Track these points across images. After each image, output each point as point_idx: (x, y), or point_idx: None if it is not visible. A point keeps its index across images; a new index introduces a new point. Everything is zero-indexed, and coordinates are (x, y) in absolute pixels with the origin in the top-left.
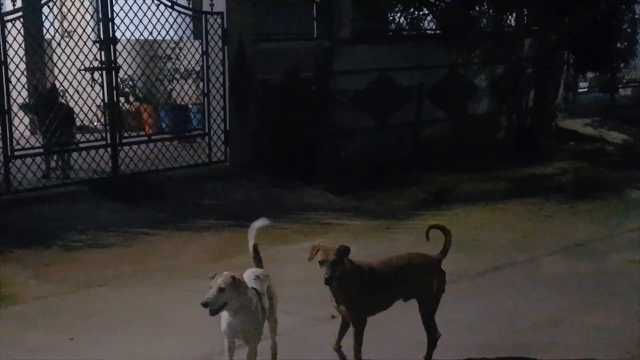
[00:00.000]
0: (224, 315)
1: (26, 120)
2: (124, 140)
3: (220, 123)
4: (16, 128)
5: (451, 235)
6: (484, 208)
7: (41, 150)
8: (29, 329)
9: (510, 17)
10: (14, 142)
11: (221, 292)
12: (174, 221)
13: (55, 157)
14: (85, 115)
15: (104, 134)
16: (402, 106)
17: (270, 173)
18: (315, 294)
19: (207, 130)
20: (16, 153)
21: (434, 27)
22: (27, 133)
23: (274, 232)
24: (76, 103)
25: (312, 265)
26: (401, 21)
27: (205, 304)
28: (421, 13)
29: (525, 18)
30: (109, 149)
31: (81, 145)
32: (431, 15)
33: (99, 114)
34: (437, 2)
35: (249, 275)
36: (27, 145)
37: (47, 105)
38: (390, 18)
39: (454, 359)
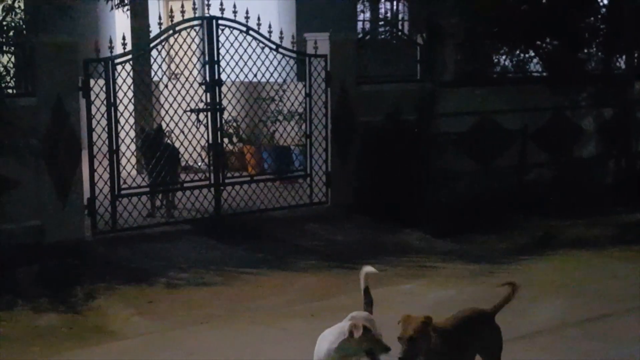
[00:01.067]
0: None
1: (133, 160)
2: (227, 181)
3: (322, 164)
4: (123, 167)
5: (515, 294)
6: (591, 254)
7: (147, 189)
8: None
9: (620, 58)
10: (121, 181)
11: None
12: (275, 261)
13: (160, 196)
14: (190, 155)
15: (207, 174)
16: (505, 149)
17: (371, 215)
18: None
19: (308, 172)
20: (123, 192)
21: (539, 69)
22: (133, 172)
23: (373, 274)
24: (181, 144)
25: (411, 308)
26: (506, 63)
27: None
28: (527, 55)
29: (635, 59)
30: (212, 189)
31: (185, 185)
32: (537, 58)
33: (203, 154)
34: (544, 45)
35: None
36: (134, 185)
37: (154, 145)
38: (495, 60)
39: None
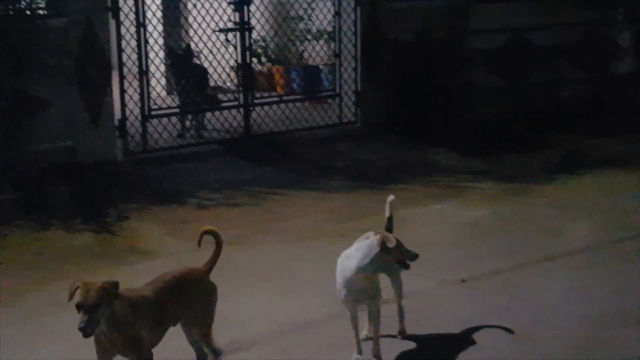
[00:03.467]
0: (342, 282)
1: (163, 81)
2: (256, 101)
3: (352, 84)
4: (153, 88)
5: (222, 243)
6: (623, 173)
7: (177, 110)
8: None
9: None
10: (151, 102)
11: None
12: (304, 181)
13: (189, 117)
14: (219, 75)
15: (236, 95)
16: (538, 66)
17: (401, 134)
18: (445, 257)
19: (338, 91)
20: (153, 113)
21: None
22: (163, 93)
23: (403, 194)
24: (210, 64)
25: (442, 228)
26: None
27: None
28: None
29: None
30: (241, 110)
31: (214, 106)
32: None
33: (232, 74)
34: None
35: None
36: (164, 105)
37: (183, 66)
38: None
39: (580, 329)
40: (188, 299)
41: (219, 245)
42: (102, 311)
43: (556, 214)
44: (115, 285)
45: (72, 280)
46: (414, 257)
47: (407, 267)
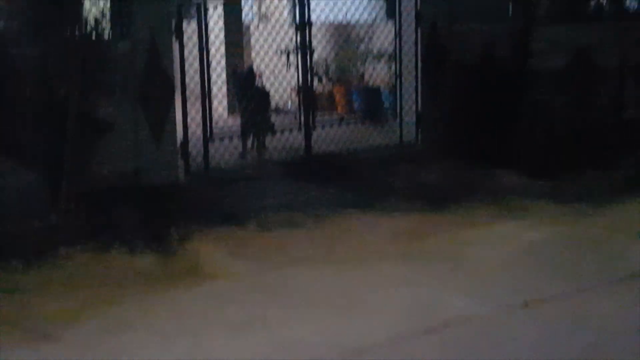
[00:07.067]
0: None
1: (224, 103)
2: (316, 122)
3: (412, 105)
4: (215, 110)
5: None
6: None
7: (238, 131)
8: (225, 306)
9: None
10: (213, 124)
11: None
12: (365, 202)
13: (251, 138)
14: (280, 97)
15: (297, 116)
16: (602, 86)
17: (462, 155)
18: (508, 279)
19: (399, 112)
20: (215, 134)
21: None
22: (224, 115)
23: (465, 215)
24: (271, 85)
25: (504, 249)
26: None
27: None
28: None
29: None
30: (302, 131)
31: (276, 127)
32: None
33: (293, 95)
34: None
35: None
36: (225, 127)
37: (245, 88)
38: None
39: None
40: None
41: None
42: None
43: (619, 237)
44: None
45: None
46: None
47: None
